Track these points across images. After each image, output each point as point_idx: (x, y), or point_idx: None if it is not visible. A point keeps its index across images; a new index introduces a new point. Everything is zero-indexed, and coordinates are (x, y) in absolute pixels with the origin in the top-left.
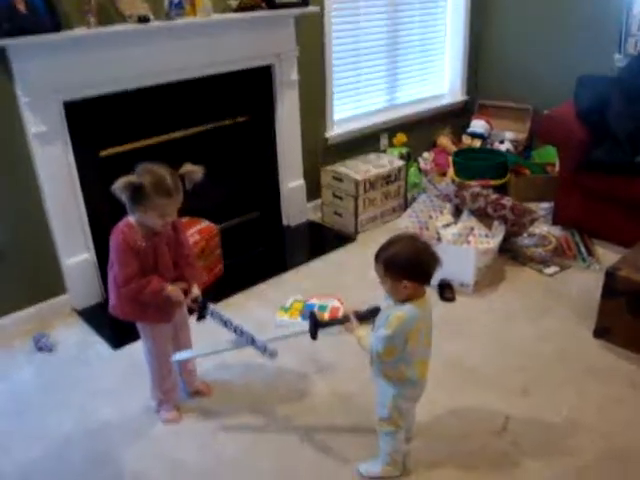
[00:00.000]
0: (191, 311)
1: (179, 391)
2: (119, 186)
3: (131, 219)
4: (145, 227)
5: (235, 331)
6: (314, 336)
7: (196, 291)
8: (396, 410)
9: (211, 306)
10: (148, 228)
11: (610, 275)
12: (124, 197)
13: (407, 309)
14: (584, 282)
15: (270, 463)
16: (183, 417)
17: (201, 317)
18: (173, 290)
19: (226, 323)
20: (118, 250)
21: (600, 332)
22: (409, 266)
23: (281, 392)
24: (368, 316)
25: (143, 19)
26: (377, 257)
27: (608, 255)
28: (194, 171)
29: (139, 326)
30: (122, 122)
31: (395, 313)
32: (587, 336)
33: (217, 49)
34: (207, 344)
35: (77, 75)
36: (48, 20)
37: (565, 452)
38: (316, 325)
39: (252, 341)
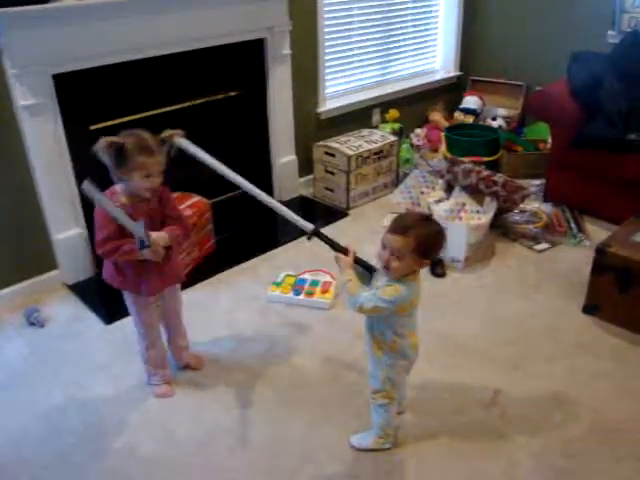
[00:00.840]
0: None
1: (169, 366)
2: (101, 146)
3: (117, 187)
4: (130, 195)
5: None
6: (309, 237)
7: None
8: (389, 382)
9: None
10: (134, 196)
11: (600, 251)
12: (106, 159)
13: (406, 285)
14: (574, 258)
15: (261, 435)
16: (176, 390)
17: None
18: (154, 242)
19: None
20: (97, 213)
21: (589, 308)
22: (435, 248)
23: (272, 366)
24: (363, 265)
25: None
26: (406, 232)
27: (599, 232)
28: (175, 134)
29: (126, 295)
30: (113, 96)
31: (395, 285)
32: (576, 312)
33: (209, 22)
34: (202, 324)
35: (66, 48)
36: None
37: (553, 425)
38: (317, 232)
39: None
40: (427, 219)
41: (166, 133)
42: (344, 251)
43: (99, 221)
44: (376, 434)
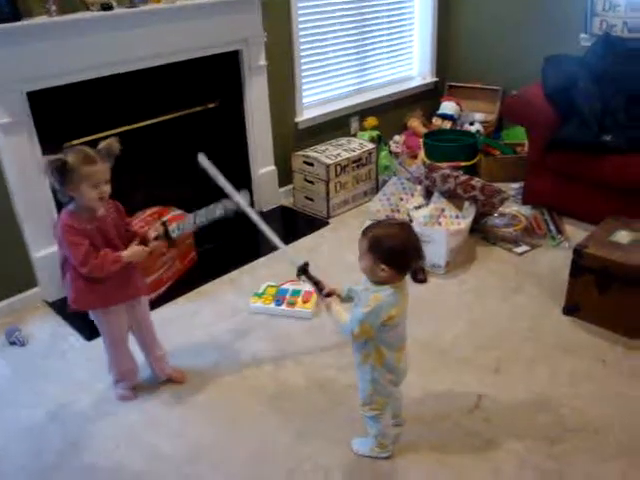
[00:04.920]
0: (169, 238)
1: (138, 374)
2: (45, 166)
3: (70, 207)
4: (85, 211)
5: (207, 215)
6: (298, 274)
7: (152, 232)
8: (376, 394)
9: (171, 225)
10: (89, 212)
11: (577, 252)
12: (53, 179)
13: (386, 292)
14: (554, 260)
15: (247, 448)
16: (157, 404)
17: (170, 239)
18: (131, 252)
19: (195, 219)
20: (65, 234)
21: (569, 309)
22: (392, 253)
23: (256, 377)
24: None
25: (106, 6)
26: (365, 232)
27: (577, 233)
28: (111, 143)
29: (94, 315)
30: (88, 112)
31: (374, 294)
32: (557, 313)
33: (183, 35)
34: (184, 337)
35: (40, 65)
36: (7, 9)
37: (537, 427)
38: (305, 271)
39: (224, 206)
40: (395, 224)
41: (102, 144)
42: (329, 295)
43: (70, 240)
44: (372, 443)
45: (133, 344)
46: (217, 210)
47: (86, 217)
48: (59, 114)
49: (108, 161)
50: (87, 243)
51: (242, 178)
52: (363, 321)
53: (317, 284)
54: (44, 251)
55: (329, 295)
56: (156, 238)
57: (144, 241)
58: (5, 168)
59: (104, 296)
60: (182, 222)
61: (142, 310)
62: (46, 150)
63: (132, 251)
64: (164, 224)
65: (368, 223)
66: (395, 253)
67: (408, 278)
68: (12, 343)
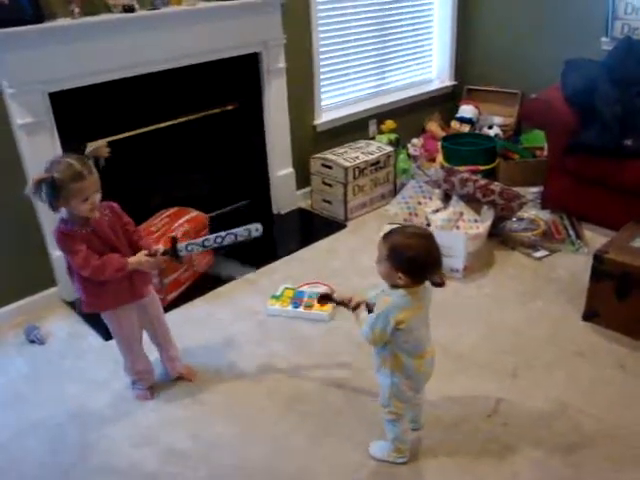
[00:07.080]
0: (175, 257)
1: (154, 374)
2: (32, 187)
3: (63, 215)
4: (78, 219)
5: (216, 241)
6: (319, 301)
7: (157, 247)
8: (395, 399)
9: (180, 244)
10: (81, 219)
11: (597, 258)
12: (42, 197)
13: (396, 295)
14: (573, 265)
15: (261, 449)
16: (174, 404)
17: (177, 257)
18: (138, 260)
19: (204, 243)
20: (62, 243)
21: (589, 315)
22: (412, 264)
23: (272, 379)
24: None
25: (128, 9)
26: (386, 237)
27: (597, 238)
28: (99, 147)
29: (105, 317)
30: (110, 112)
31: (384, 297)
32: (576, 319)
33: (203, 37)
34: (201, 339)
35: (62, 66)
36: (31, 11)
37: (555, 433)
38: (329, 298)
39: (235, 236)
40: (416, 234)
41: (89, 148)
42: (355, 308)
43: (68, 247)
44: (389, 447)
45: (147, 342)
46: (227, 238)
47: (80, 222)
48: (80, 115)
49: (95, 168)
50: (85, 248)
51: (260, 180)
52: (373, 325)
53: (344, 304)
54: None
55: (356, 308)
56: (164, 253)
57: (152, 254)
58: (27, 168)
59: (115, 297)
60: (192, 243)
61: (154, 307)
62: (67, 150)
63: (139, 259)
64: (173, 240)
65: (387, 227)
66: (414, 264)
67: (430, 285)
68: (31, 341)
